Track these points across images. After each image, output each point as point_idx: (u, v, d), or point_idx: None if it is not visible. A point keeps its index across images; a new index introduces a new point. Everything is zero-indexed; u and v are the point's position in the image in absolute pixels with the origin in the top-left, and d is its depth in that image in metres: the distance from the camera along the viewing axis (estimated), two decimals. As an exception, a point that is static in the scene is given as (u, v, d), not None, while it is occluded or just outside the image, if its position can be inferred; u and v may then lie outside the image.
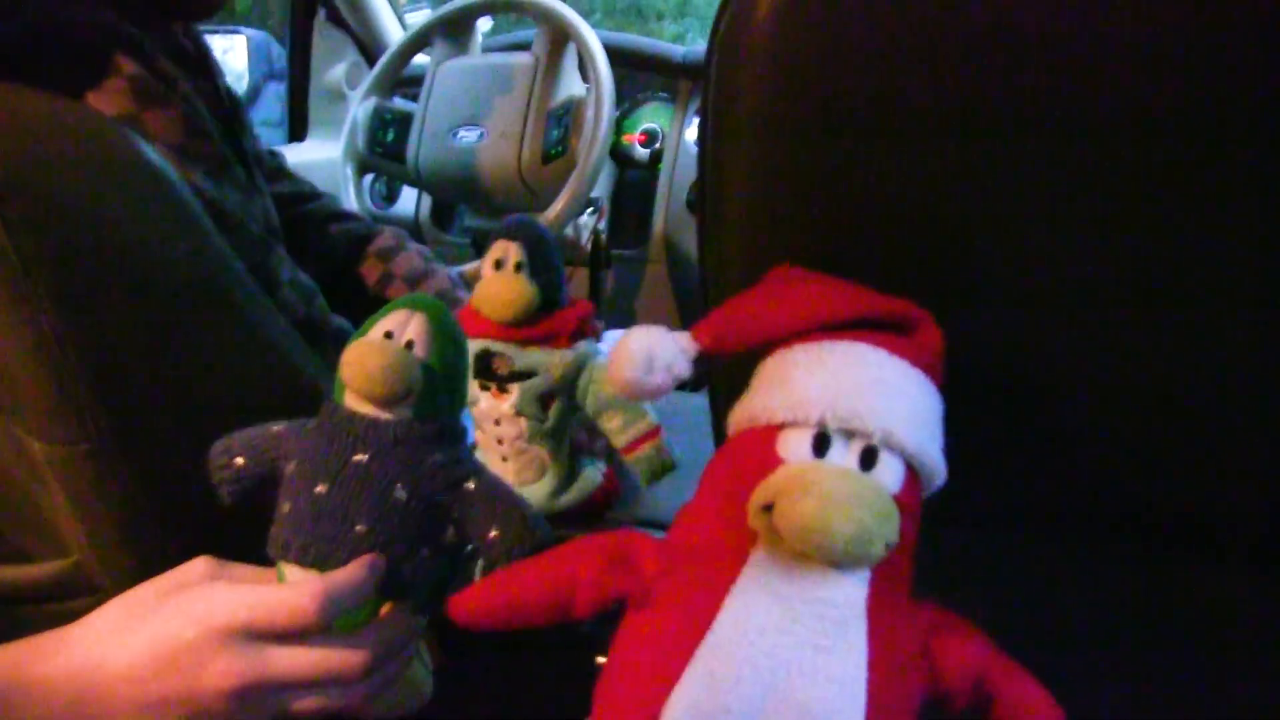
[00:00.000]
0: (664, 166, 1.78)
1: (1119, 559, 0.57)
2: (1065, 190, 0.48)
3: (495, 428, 0.89)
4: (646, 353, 0.49)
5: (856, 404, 0.47)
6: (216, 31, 2.10)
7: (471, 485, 0.60)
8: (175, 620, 0.54)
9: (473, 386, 0.88)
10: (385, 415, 0.59)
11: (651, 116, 1.83)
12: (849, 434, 0.47)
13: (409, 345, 0.59)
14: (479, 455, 0.94)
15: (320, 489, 0.58)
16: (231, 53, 2.11)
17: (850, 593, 0.46)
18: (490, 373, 0.87)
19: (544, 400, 0.87)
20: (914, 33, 0.46)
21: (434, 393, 0.60)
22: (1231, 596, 0.55)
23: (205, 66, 0.91)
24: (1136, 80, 0.44)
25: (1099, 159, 0.47)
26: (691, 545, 0.50)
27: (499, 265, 0.84)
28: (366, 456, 0.58)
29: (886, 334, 0.49)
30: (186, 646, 0.53)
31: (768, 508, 0.45)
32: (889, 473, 0.47)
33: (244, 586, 0.55)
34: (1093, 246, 0.49)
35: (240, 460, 0.63)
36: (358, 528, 0.57)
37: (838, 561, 0.45)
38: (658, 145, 1.80)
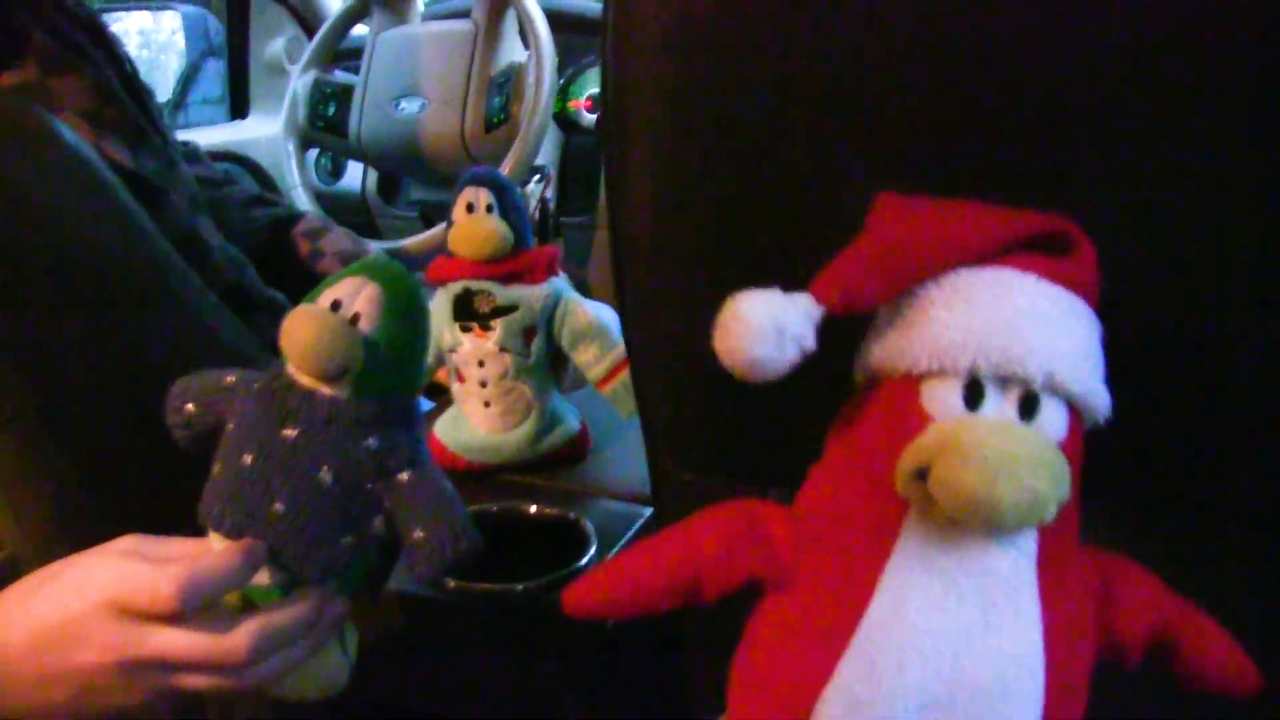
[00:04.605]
0: (603, 131, 1.75)
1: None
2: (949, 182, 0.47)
3: (479, 369, 0.92)
4: (774, 323, 0.41)
5: (1012, 345, 0.40)
6: (150, 8, 2.05)
7: (405, 477, 0.57)
8: (62, 593, 0.53)
9: (453, 331, 0.91)
10: (324, 390, 0.56)
11: (597, 81, 1.81)
12: (1003, 380, 0.41)
13: (355, 318, 0.56)
14: (460, 405, 0.95)
15: (246, 459, 0.56)
16: (179, 33, 2.07)
17: (1018, 559, 0.41)
18: (472, 312, 0.90)
19: (526, 334, 0.91)
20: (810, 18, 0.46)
21: (377, 372, 0.56)
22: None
23: (102, 34, 0.89)
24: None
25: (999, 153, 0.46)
26: (831, 517, 0.44)
27: (470, 209, 0.89)
28: (295, 432, 0.56)
29: (1033, 255, 0.43)
30: (69, 620, 0.52)
31: (921, 474, 0.39)
32: (1053, 420, 0.41)
33: (122, 561, 0.54)
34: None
35: (191, 407, 0.60)
36: (276, 506, 0.55)
37: (1006, 531, 0.40)
38: (605, 110, 1.78)
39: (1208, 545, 0.54)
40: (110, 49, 0.89)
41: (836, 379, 0.46)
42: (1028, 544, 0.42)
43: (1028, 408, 0.41)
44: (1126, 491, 0.50)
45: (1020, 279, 0.42)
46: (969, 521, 0.39)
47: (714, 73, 0.49)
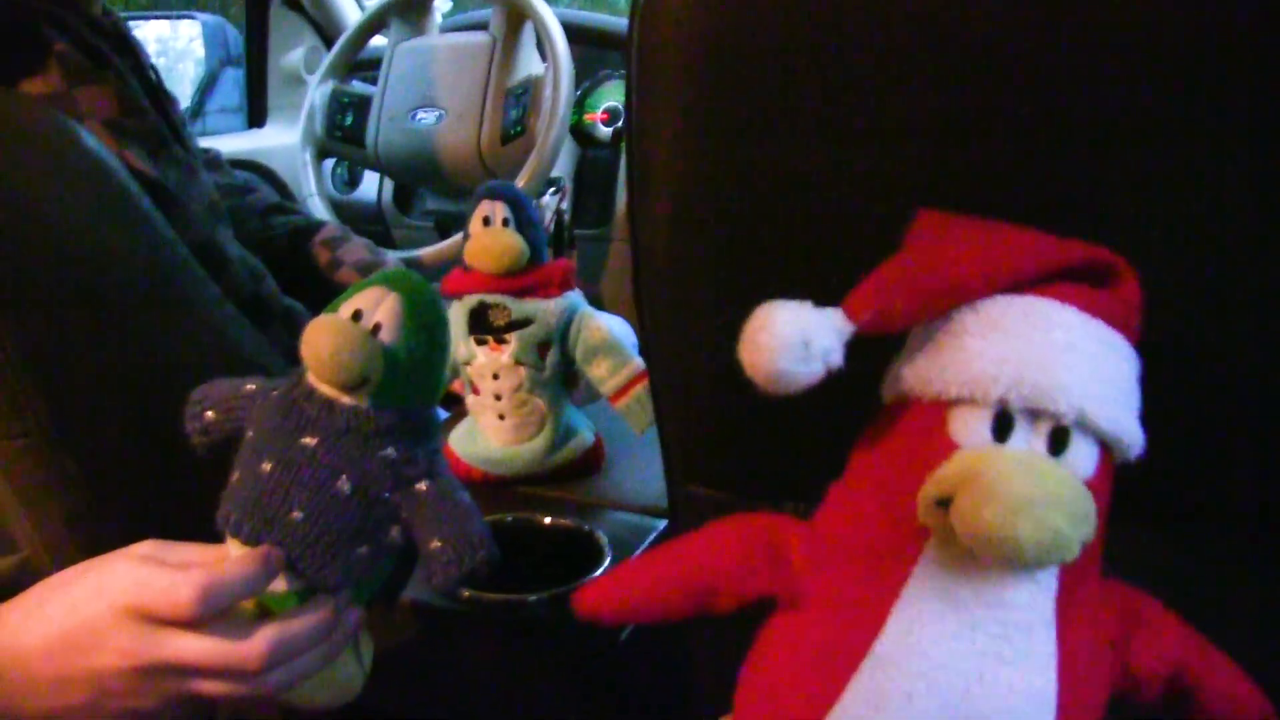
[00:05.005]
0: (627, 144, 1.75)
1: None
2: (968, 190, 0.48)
3: (493, 382, 0.92)
4: (801, 336, 0.39)
5: (1045, 379, 0.39)
6: (170, 17, 2.07)
7: (423, 487, 0.58)
8: (80, 597, 0.53)
9: (468, 344, 0.91)
10: (344, 399, 0.56)
11: (613, 94, 1.81)
12: (1034, 414, 0.40)
13: (376, 328, 0.56)
14: (475, 417, 0.95)
15: (265, 467, 0.56)
16: (196, 40, 2.08)
17: (1036, 594, 0.41)
18: (487, 325, 0.90)
19: (541, 348, 0.91)
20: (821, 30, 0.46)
21: (396, 382, 0.57)
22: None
23: (127, 43, 0.89)
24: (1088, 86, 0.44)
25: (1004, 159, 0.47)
26: (848, 537, 0.44)
27: (487, 222, 0.90)
28: (315, 441, 0.56)
29: (1074, 286, 0.42)
30: (87, 623, 0.52)
31: (943, 503, 0.39)
32: (1082, 456, 0.40)
33: (141, 566, 0.54)
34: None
35: (210, 414, 0.61)
36: (294, 514, 0.56)
37: (1025, 568, 0.40)
38: (620, 123, 1.78)
39: (1209, 547, 0.54)
40: (135, 57, 0.90)
41: (857, 395, 0.45)
42: (1047, 578, 0.41)
43: (1057, 442, 0.40)
44: (1128, 496, 0.51)
45: (1059, 310, 0.41)
46: (988, 557, 0.39)
47: (733, 82, 0.49)
